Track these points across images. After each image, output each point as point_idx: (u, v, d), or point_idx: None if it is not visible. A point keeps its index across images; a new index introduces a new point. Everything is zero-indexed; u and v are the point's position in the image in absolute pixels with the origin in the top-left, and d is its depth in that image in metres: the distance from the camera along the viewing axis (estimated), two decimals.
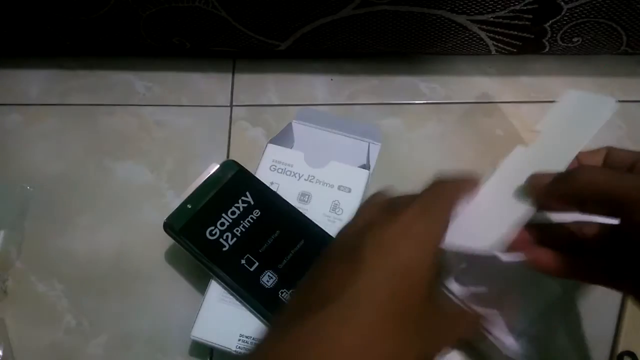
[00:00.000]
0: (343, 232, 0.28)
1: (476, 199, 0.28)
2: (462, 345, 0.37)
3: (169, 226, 0.38)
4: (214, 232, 0.37)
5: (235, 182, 0.40)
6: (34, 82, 0.52)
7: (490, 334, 0.33)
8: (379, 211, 0.27)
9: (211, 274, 0.37)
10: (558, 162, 0.29)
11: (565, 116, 0.32)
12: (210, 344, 0.35)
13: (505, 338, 0.33)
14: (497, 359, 0.35)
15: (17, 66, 0.53)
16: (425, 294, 0.24)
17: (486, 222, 0.28)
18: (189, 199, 0.39)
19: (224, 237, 0.37)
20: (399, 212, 0.25)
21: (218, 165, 0.40)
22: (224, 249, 0.37)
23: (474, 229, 0.27)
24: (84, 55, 0.53)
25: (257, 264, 0.37)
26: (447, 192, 0.27)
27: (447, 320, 0.26)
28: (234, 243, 0.37)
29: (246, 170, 0.40)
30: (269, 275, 0.36)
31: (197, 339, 0.35)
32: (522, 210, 0.27)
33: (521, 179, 0.28)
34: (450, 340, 0.27)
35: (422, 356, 0.24)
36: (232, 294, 0.36)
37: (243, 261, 0.37)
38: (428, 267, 0.24)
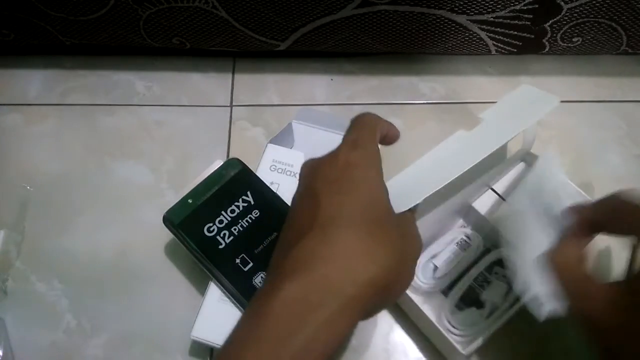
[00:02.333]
0: (300, 184, 0.30)
1: (408, 169, 0.32)
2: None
3: (168, 219, 0.38)
4: (211, 229, 0.37)
5: (237, 180, 0.40)
6: (34, 82, 0.52)
7: None
8: (317, 160, 0.29)
9: (205, 270, 0.37)
10: (489, 147, 0.32)
11: (508, 108, 0.34)
12: (210, 344, 0.35)
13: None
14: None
15: (17, 66, 0.53)
16: (385, 207, 0.27)
17: (411, 188, 0.31)
18: (191, 194, 0.39)
19: (221, 235, 0.37)
20: (334, 153, 0.28)
21: (222, 162, 0.40)
22: (220, 247, 0.37)
23: (402, 191, 0.30)
24: (84, 55, 0.53)
25: (251, 264, 0.36)
26: (368, 123, 0.30)
27: (408, 231, 0.29)
28: (230, 242, 0.37)
29: (249, 169, 0.40)
30: (262, 277, 0.36)
31: (197, 339, 0.35)
32: (440, 182, 0.30)
33: (455, 158, 0.31)
34: (417, 247, 0.29)
35: (399, 258, 0.26)
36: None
37: (237, 260, 0.37)
38: (378, 185, 0.27)
